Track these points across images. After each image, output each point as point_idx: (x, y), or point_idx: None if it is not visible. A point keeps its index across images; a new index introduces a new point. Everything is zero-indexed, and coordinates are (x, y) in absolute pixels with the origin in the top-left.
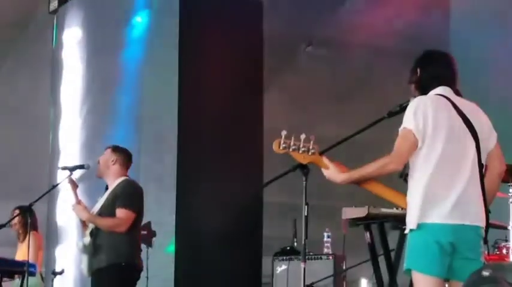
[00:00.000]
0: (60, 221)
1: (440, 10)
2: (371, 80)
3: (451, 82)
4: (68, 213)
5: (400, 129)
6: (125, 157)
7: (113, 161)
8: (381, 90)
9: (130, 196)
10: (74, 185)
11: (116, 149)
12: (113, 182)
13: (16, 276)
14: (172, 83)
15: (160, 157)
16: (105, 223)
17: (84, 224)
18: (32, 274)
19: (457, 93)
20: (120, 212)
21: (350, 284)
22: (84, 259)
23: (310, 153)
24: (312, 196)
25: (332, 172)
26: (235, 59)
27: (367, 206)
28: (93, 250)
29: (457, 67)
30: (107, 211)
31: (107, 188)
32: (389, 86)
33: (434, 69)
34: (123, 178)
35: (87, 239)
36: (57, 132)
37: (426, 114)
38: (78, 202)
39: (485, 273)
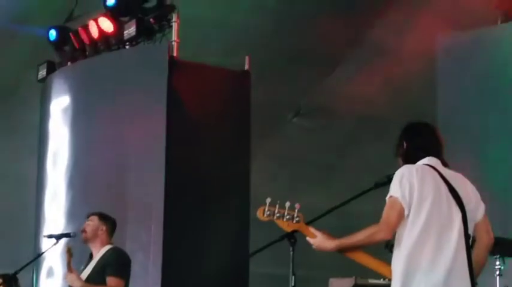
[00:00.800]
0: None
1: (426, 78)
2: (358, 149)
3: (437, 153)
4: (52, 281)
5: (387, 197)
6: (112, 225)
7: (101, 229)
8: (367, 159)
9: (120, 264)
10: (70, 254)
11: (103, 216)
12: (99, 249)
13: None
14: (159, 150)
15: (147, 225)
16: None
17: None
18: None
19: (444, 163)
20: (111, 281)
21: None
22: None
23: (294, 221)
24: (300, 266)
25: (320, 240)
26: (223, 127)
27: (354, 277)
28: None
29: (442, 137)
30: (96, 278)
31: (90, 256)
32: (376, 155)
33: (420, 141)
34: (110, 246)
35: None
36: (43, 199)
37: (412, 183)
38: (71, 270)
39: None
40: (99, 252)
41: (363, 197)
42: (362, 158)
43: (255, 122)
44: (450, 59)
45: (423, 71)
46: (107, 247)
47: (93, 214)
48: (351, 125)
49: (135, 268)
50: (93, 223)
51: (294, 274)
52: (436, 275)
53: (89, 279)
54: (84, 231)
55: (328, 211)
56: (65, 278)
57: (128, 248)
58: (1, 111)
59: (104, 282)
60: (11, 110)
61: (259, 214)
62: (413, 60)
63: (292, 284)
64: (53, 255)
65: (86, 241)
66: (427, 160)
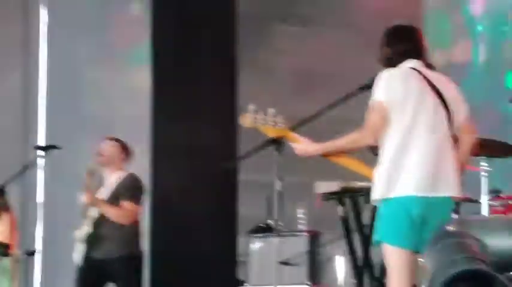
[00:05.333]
0: (40, 200)
1: None
2: (344, 58)
3: (419, 56)
4: (46, 193)
5: (370, 102)
6: (129, 155)
7: (120, 157)
8: (354, 67)
9: (138, 190)
10: (92, 174)
11: (124, 145)
12: (113, 174)
13: None
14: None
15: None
16: (115, 212)
17: (84, 213)
18: (5, 254)
19: (429, 66)
20: (129, 205)
21: (326, 261)
22: (80, 247)
23: (278, 127)
24: (285, 172)
25: (303, 145)
26: (210, 35)
27: (339, 180)
28: (94, 239)
29: (425, 40)
30: (111, 201)
31: (102, 175)
32: (363, 63)
33: (401, 45)
34: (127, 172)
35: (86, 229)
36: (29, 110)
37: (395, 86)
38: (90, 189)
39: (450, 228)
40: (113, 175)
41: (351, 103)
42: (353, 68)
43: (242, 33)
44: None
45: None
46: (124, 172)
47: (116, 140)
48: (341, 34)
49: None
50: (113, 149)
51: (280, 179)
52: (421, 178)
53: (107, 200)
54: (101, 155)
55: (314, 116)
56: (85, 197)
57: None
58: None
59: (118, 205)
60: None
61: (242, 120)
62: None
63: (278, 188)
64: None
65: (102, 163)
66: (410, 63)
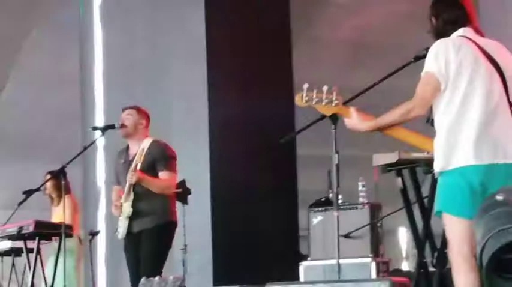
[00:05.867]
0: (100, 182)
1: None
2: (397, 29)
3: (468, 23)
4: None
5: (422, 73)
6: (148, 117)
7: (142, 123)
8: (410, 39)
9: (170, 158)
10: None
11: (141, 110)
12: (139, 143)
13: (53, 239)
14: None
15: (192, 114)
16: (159, 184)
17: (127, 189)
18: (69, 235)
19: (478, 32)
20: (167, 175)
21: (387, 233)
22: (124, 222)
23: (333, 104)
24: (346, 145)
25: (355, 121)
26: (262, 12)
27: (397, 151)
28: (136, 214)
29: (472, 5)
30: (149, 172)
31: (127, 149)
32: (417, 34)
33: (448, 15)
34: (151, 139)
35: (129, 205)
36: (87, 93)
37: (448, 57)
38: (136, 168)
39: (499, 197)
40: (138, 145)
41: (405, 74)
42: (405, 38)
43: (294, 6)
44: None
45: None
46: (149, 140)
47: (130, 108)
48: (395, 4)
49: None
50: (132, 117)
51: (337, 151)
52: (480, 146)
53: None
54: (123, 126)
55: (366, 89)
56: (132, 175)
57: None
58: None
59: (155, 175)
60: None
61: (297, 100)
62: None
63: (336, 162)
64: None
65: (126, 135)
66: (461, 31)
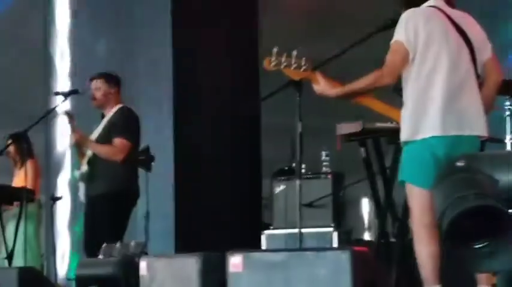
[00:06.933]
0: (60, 148)
1: None
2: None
3: None
4: (66, 140)
5: (392, 42)
6: (119, 83)
7: (111, 92)
8: (377, 8)
9: (127, 124)
10: (70, 116)
11: (110, 78)
12: (110, 110)
13: (15, 204)
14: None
15: (156, 81)
16: (104, 150)
17: (81, 153)
18: (31, 199)
19: (450, 3)
20: (117, 141)
21: (349, 203)
22: (82, 186)
23: (302, 69)
24: (311, 114)
25: (324, 87)
26: None
27: (361, 121)
28: (90, 177)
29: None
30: (104, 139)
31: (102, 116)
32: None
33: None
34: (119, 106)
35: (84, 168)
36: (50, 57)
37: (417, 26)
38: (75, 130)
39: (460, 163)
40: (109, 112)
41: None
42: (371, 8)
43: None
44: None
45: None
46: (117, 107)
47: (98, 77)
48: None
49: (146, 124)
50: (101, 88)
51: (300, 120)
52: (446, 118)
53: (98, 139)
54: (94, 99)
55: (334, 57)
56: (70, 138)
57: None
58: None
59: (111, 142)
60: None
61: (266, 63)
62: None
63: (300, 130)
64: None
65: (98, 107)
66: (432, 1)
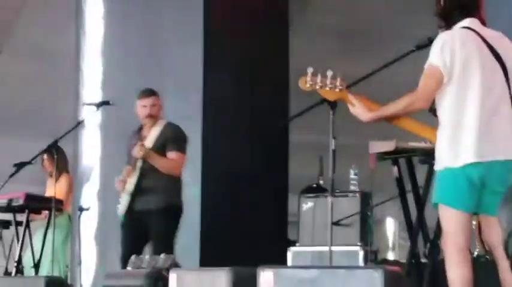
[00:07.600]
0: (86, 159)
1: None
2: (399, 18)
3: (475, 10)
4: (93, 152)
5: (426, 65)
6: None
7: (162, 108)
8: (410, 27)
9: (181, 139)
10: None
11: (158, 95)
12: (154, 124)
13: (43, 214)
14: (197, 21)
15: (186, 96)
16: (166, 163)
17: (133, 165)
18: (59, 209)
19: (483, 21)
20: (175, 155)
21: (376, 223)
22: (126, 198)
23: (337, 89)
24: (339, 133)
25: (358, 110)
26: None
27: (395, 140)
28: (140, 190)
29: None
30: (158, 153)
31: (140, 129)
32: (419, 24)
33: None
34: (165, 121)
35: (133, 180)
36: (81, 68)
37: (453, 51)
38: (142, 143)
39: None
40: (155, 127)
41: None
42: (405, 27)
43: None
44: None
45: None
46: (163, 122)
47: (152, 94)
48: None
49: None
50: (157, 104)
51: (334, 137)
52: (480, 143)
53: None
54: (151, 116)
55: (368, 75)
56: (137, 150)
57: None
58: None
59: (164, 156)
60: None
61: (301, 83)
62: None
63: (333, 148)
64: (93, 123)
65: (148, 123)
66: (467, 22)
